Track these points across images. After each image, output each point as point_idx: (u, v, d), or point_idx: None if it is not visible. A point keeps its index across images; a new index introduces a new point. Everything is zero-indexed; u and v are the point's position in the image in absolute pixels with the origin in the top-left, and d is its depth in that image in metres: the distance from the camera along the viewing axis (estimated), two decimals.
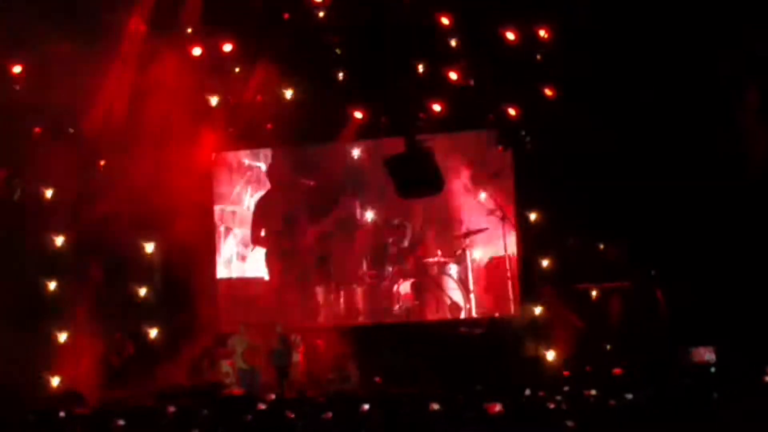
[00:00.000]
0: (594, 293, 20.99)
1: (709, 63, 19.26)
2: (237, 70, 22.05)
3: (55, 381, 20.98)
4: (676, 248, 19.78)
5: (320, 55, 21.69)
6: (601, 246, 20.95)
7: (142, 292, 22.35)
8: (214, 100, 22.20)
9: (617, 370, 19.53)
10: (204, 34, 21.56)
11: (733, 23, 18.96)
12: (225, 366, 20.77)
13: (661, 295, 20.31)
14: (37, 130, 21.52)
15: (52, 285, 21.73)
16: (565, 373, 20.04)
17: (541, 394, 17.30)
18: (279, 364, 20.45)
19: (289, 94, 22.08)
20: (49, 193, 21.90)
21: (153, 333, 22.03)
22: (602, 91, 19.89)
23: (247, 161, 23.65)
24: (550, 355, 20.57)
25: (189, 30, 21.59)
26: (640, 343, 19.92)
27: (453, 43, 20.94)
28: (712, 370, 18.79)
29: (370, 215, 23.23)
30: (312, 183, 23.31)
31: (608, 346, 20.48)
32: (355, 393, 19.71)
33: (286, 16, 21.42)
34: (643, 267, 20.52)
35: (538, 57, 20.63)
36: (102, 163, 22.15)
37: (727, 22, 18.97)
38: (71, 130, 21.68)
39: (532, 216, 21.31)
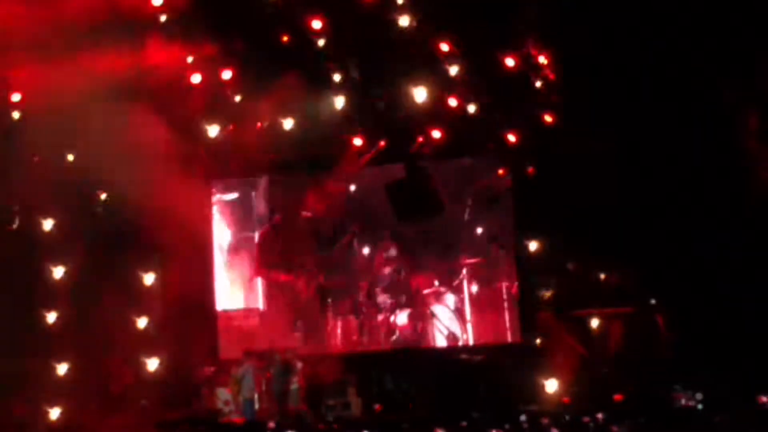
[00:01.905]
0: (594, 319, 20.93)
1: (712, 89, 19.33)
2: (237, 98, 22.04)
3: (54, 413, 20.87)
4: (678, 274, 19.79)
5: (319, 82, 21.67)
6: (602, 271, 20.92)
7: (142, 321, 22.17)
8: (212, 130, 22.10)
9: (618, 396, 19.54)
10: (203, 61, 21.58)
11: (737, 49, 19.08)
12: (224, 394, 20.63)
13: (662, 321, 20.28)
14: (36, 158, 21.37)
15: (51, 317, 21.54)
16: (566, 399, 19.98)
17: (545, 420, 17.33)
18: (278, 390, 20.39)
19: (288, 123, 22.02)
20: (48, 225, 21.72)
21: (152, 361, 21.82)
22: (603, 117, 19.93)
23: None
24: (550, 382, 20.40)
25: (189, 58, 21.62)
26: (641, 369, 19.90)
27: (453, 69, 20.93)
28: (700, 407, 18.83)
29: (366, 246, 23.21)
30: (309, 214, 23.31)
31: (608, 372, 20.41)
32: (355, 420, 19.71)
33: (286, 39, 21.44)
34: (644, 293, 20.49)
35: (538, 83, 20.68)
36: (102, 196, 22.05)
37: (731, 48, 19.09)
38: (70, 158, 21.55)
39: (532, 242, 21.22)
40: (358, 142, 22.06)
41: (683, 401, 18.85)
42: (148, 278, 22.07)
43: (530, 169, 21.03)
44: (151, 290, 22.21)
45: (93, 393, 21.21)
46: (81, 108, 20.12)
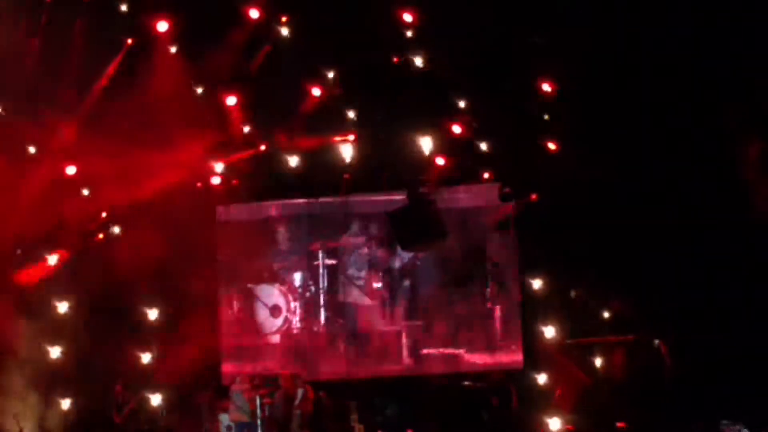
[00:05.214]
0: (597, 347, 20.94)
1: (713, 116, 19.38)
2: (243, 126, 22.23)
3: None
4: (680, 302, 19.79)
5: (324, 109, 21.81)
6: (605, 300, 20.95)
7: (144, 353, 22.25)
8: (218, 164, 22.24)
9: (621, 424, 19.52)
10: (209, 87, 21.76)
11: (738, 75, 19.13)
12: (226, 419, 20.64)
13: (665, 349, 20.26)
14: None
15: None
16: (569, 427, 19.96)
17: None
18: (280, 416, 20.40)
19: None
20: (53, 259, 21.79)
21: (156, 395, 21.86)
22: (606, 144, 20.00)
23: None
24: (553, 410, 20.37)
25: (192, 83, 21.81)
26: (643, 398, 19.89)
27: (456, 97, 21.06)
28: None
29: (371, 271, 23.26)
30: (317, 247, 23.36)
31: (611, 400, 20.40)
32: None
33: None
34: (647, 321, 20.49)
35: (542, 111, 20.80)
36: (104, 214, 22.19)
37: (731, 73, 19.15)
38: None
39: (535, 270, 21.27)
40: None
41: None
42: (152, 313, 22.17)
43: (533, 196, 21.12)
44: (156, 321, 22.33)
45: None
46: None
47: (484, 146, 21.48)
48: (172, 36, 21.40)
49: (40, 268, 21.50)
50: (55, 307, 21.58)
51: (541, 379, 21.00)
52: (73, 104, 21.06)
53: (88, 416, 21.37)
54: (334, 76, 21.78)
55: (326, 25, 21.12)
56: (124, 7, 21.09)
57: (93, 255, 21.87)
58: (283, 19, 21.51)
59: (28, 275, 21.41)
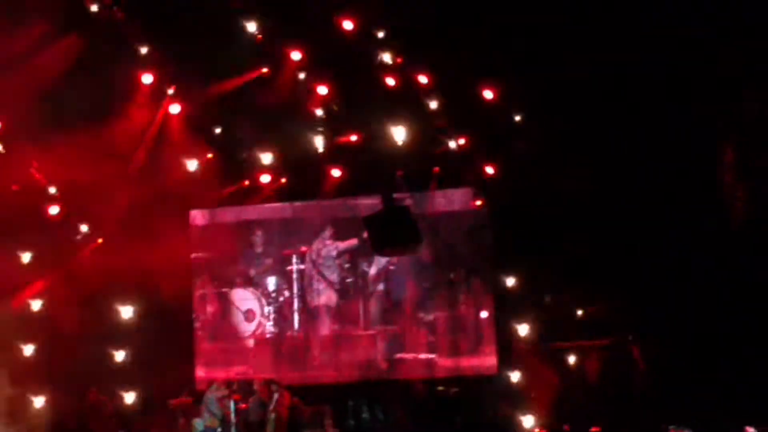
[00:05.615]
0: (571, 351, 21.02)
1: (693, 120, 19.48)
2: (218, 130, 22.18)
3: None
4: (655, 306, 19.87)
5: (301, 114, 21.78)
6: (579, 304, 21.02)
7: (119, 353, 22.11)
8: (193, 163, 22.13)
9: (595, 428, 19.59)
10: (185, 92, 21.68)
11: (722, 81, 19.25)
12: (200, 424, 20.60)
13: (639, 353, 20.36)
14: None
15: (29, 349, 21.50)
16: (543, 431, 20.02)
17: None
18: (255, 420, 20.39)
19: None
20: (26, 257, 21.66)
21: (130, 393, 21.75)
22: (582, 150, 20.07)
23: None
24: (527, 414, 20.42)
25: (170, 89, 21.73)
26: (617, 402, 19.97)
27: (431, 102, 21.06)
28: None
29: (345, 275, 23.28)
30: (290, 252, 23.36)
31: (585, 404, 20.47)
32: None
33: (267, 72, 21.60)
34: (620, 325, 20.58)
35: (516, 116, 20.86)
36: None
37: (716, 79, 19.25)
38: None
39: (509, 274, 21.33)
40: (336, 173, 22.15)
41: None
42: (126, 315, 22.07)
43: (508, 201, 21.17)
44: (130, 322, 22.20)
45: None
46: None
47: (458, 150, 21.45)
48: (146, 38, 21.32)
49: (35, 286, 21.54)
50: (29, 306, 21.52)
51: (515, 382, 21.03)
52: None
53: (61, 418, 21.23)
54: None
55: (297, 28, 21.10)
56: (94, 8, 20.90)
57: (68, 258, 21.81)
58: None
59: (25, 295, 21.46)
